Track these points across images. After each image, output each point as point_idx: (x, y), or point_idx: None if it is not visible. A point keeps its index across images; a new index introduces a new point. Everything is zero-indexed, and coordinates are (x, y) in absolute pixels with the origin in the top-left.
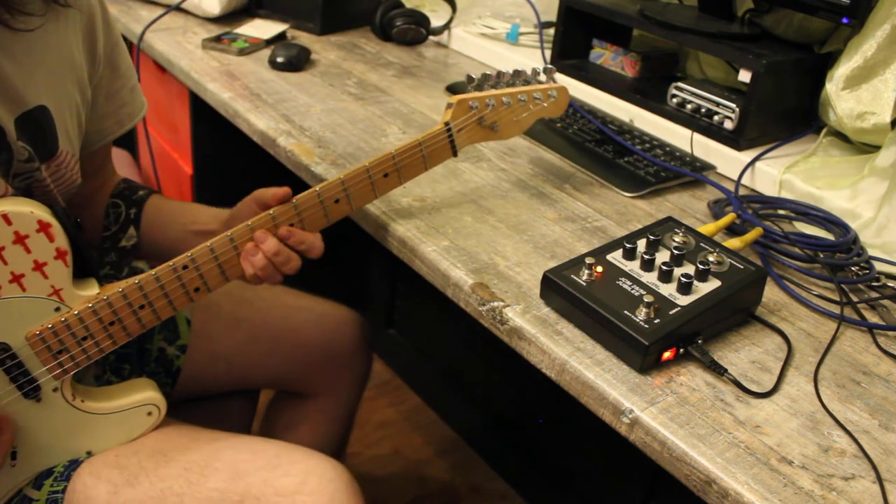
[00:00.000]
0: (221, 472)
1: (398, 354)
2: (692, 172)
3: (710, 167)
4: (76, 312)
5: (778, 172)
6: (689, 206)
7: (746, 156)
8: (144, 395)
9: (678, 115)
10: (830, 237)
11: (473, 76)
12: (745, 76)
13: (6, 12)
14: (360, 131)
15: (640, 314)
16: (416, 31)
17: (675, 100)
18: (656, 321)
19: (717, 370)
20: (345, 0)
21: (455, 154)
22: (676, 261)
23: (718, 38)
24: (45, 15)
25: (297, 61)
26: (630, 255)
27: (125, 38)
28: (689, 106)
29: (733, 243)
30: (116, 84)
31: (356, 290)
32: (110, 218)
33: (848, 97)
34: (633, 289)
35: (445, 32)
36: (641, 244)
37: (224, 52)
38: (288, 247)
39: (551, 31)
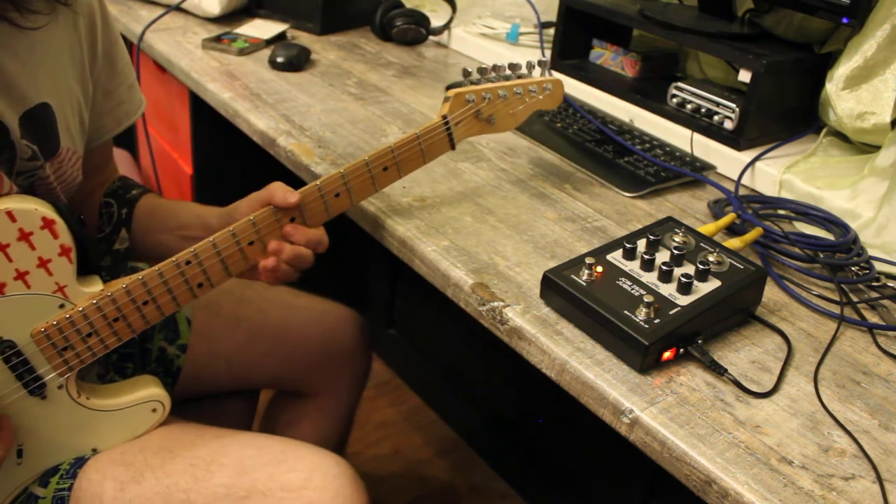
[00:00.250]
0: (227, 467)
1: (398, 354)
2: (692, 172)
3: (710, 167)
4: (80, 309)
5: (778, 172)
6: (689, 206)
7: (746, 156)
8: (149, 392)
9: (678, 115)
10: (830, 237)
11: (469, 70)
12: (745, 76)
13: (15, 10)
14: (360, 131)
15: (640, 314)
16: (416, 31)
17: (675, 100)
18: (656, 321)
19: (717, 370)
20: (345, 0)
21: (453, 147)
22: (676, 261)
23: (718, 38)
24: (51, 14)
25: (297, 61)
26: (630, 255)
27: (125, 39)
28: (689, 106)
29: (733, 243)
30: (114, 82)
31: (356, 290)
32: (103, 218)
33: (848, 97)
34: (633, 289)
35: (445, 32)
36: (641, 244)
37: (224, 52)
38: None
39: (551, 31)
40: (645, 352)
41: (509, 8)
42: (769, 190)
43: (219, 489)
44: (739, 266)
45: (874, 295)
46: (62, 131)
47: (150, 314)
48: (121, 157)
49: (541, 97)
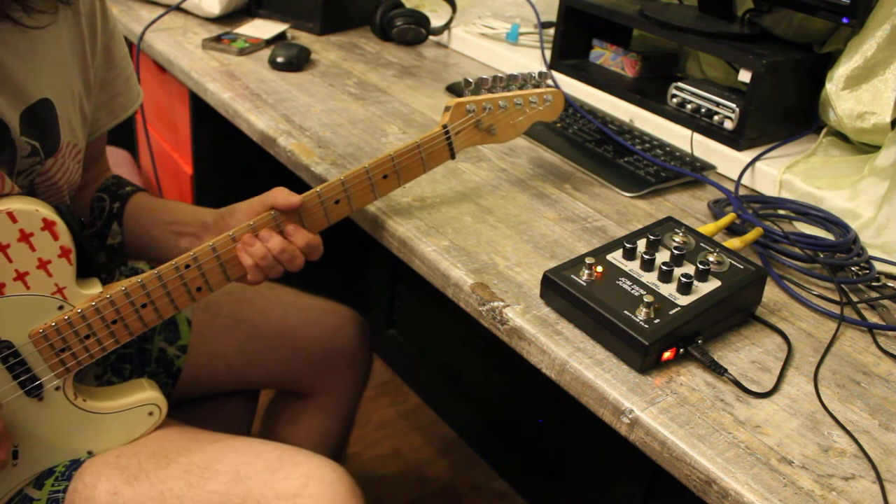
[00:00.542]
0: (222, 474)
1: (398, 354)
2: (692, 172)
3: (710, 167)
4: (79, 310)
5: (778, 172)
6: (689, 206)
7: (746, 156)
8: (146, 395)
9: (678, 115)
10: (830, 237)
11: (470, 80)
12: (745, 76)
13: (21, 10)
14: (360, 131)
15: (640, 314)
16: (416, 31)
17: (675, 100)
18: (656, 321)
19: (717, 370)
20: (345, 0)
21: (453, 157)
22: (676, 261)
23: (718, 38)
24: (55, 13)
25: (297, 61)
26: (630, 255)
27: (125, 38)
28: (689, 106)
29: (733, 243)
30: (110, 74)
31: (356, 290)
32: (95, 213)
33: (848, 97)
34: (633, 289)
35: (445, 32)
36: (641, 244)
37: (224, 52)
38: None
39: (551, 31)
40: (645, 352)
41: (509, 8)
42: (769, 190)
43: (213, 496)
44: (739, 266)
45: (874, 295)
46: (63, 126)
47: (149, 317)
48: (121, 157)
49: (541, 108)
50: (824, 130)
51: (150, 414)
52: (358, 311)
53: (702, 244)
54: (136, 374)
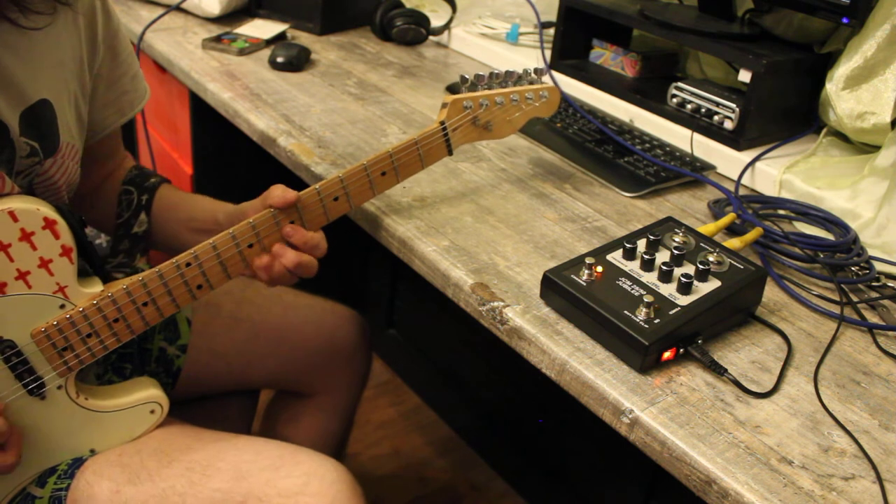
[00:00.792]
0: (224, 472)
1: (398, 354)
2: (692, 172)
3: (710, 167)
4: (81, 309)
5: (778, 172)
6: (689, 206)
7: (746, 156)
8: (147, 393)
9: (678, 115)
10: (830, 237)
11: (467, 76)
12: (745, 76)
13: (18, 11)
14: (360, 131)
15: (640, 314)
16: (416, 31)
17: (675, 100)
18: (656, 321)
19: (717, 370)
20: (345, 0)
21: (450, 153)
22: (676, 261)
23: (718, 38)
24: (52, 14)
25: (297, 61)
26: (630, 255)
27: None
28: (689, 106)
29: (733, 243)
30: (117, 71)
31: (356, 290)
32: (122, 205)
33: (848, 97)
34: (633, 289)
35: (445, 32)
36: (641, 244)
37: (224, 52)
38: (291, 246)
39: (551, 31)
40: (645, 352)
41: (509, 8)
42: (769, 190)
43: (215, 494)
44: (739, 266)
45: (874, 295)
46: (62, 127)
47: (150, 315)
48: None
49: (537, 104)
50: (824, 130)
51: (152, 412)
52: (358, 311)
53: (702, 244)
54: (136, 373)
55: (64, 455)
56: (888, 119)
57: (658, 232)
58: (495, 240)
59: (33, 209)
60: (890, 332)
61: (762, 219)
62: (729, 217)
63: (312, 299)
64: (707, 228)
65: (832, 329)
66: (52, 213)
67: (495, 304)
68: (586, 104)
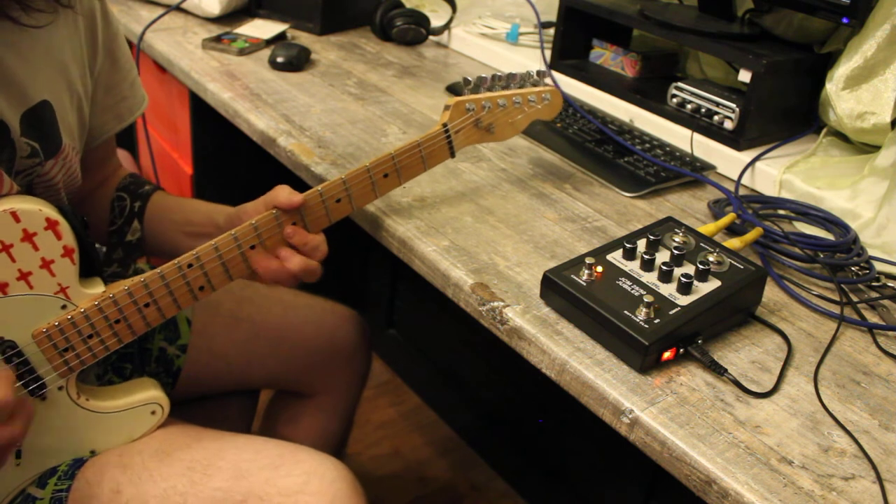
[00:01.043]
0: (224, 471)
1: (398, 354)
2: (692, 172)
3: (710, 167)
4: (82, 310)
5: (778, 172)
6: (689, 206)
7: (746, 156)
8: (148, 394)
9: (678, 115)
10: (830, 237)
11: (470, 78)
12: (745, 76)
13: (20, 9)
14: (360, 131)
15: (640, 314)
16: (416, 31)
17: (675, 100)
18: (656, 321)
19: (717, 370)
20: (345, 0)
21: (453, 155)
22: (676, 261)
23: (718, 38)
24: (53, 13)
25: (297, 61)
26: (630, 255)
27: (126, 38)
28: (689, 106)
29: (733, 243)
30: (116, 77)
31: (356, 290)
32: (115, 211)
33: (848, 97)
34: (633, 289)
35: (445, 32)
36: (641, 244)
37: (224, 52)
38: (291, 247)
39: (551, 31)
40: (645, 352)
41: (509, 8)
42: (769, 190)
43: (216, 493)
44: (739, 266)
45: (874, 295)
46: (63, 128)
47: (151, 316)
48: (121, 157)
49: (539, 107)
50: (824, 130)
51: (153, 413)
52: (358, 311)
53: (702, 244)
54: (136, 373)
55: (64, 456)
56: (888, 119)
57: (658, 232)
58: (495, 240)
59: (35, 210)
60: (890, 332)
61: (762, 219)
62: (729, 217)
63: (312, 299)
64: (707, 228)
65: (832, 329)
66: (54, 214)
67: (495, 304)
68: (586, 104)
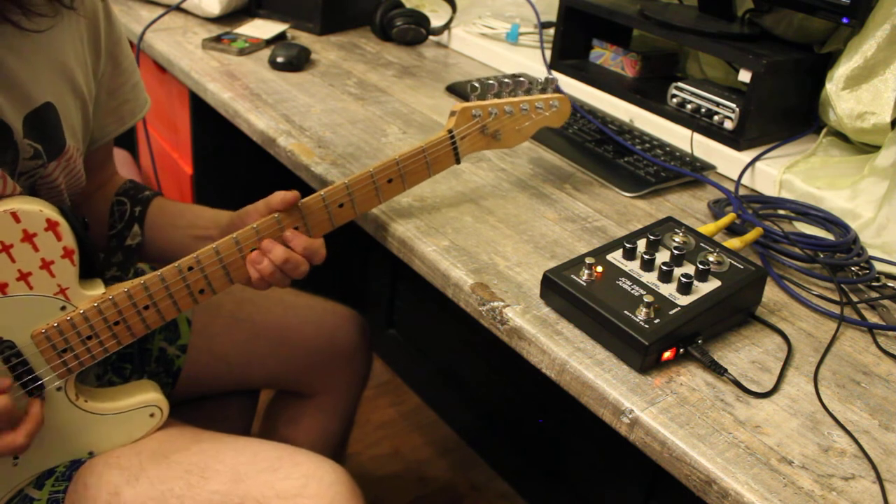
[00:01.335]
0: (222, 474)
1: (398, 354)
2: (692, 172)
3: (710, 167)
4: (81, 311)
5: (778, 172)
6: (689, 206)
7: (746, 156)
8: (147, 397)
9: (678, 115)
10: (830, 237)
11: (476, 85)
12: (745, 76)
13: (21, 14)
14: (360, 131)
15: (640, 314)
16: (416, 31)
17: (675, 100)
18: (656, 321)
19: (717, 370)
20: (345, 0)
21: (458, 161)
22: (676, 261)
23: (718, 38)
24: (55, 17)
25: (297, 61)
26: (630, 255)
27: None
28: (689, 106)
29: (733, 243)
30: (118, 80)
31: (356, 290)
32: (115, 216)
33: (848, 97)
34: (633, 289)
35: (445, 32)
36: (641, 244)
37: (224, 52)
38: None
39: (551, 31)
40: (645, 352)
41: (509, 8)
42: (769, 190)
43: (213, 496)
44: (739, 266)
45: (874, 295)
46: (67, 130)
47: (151, 318)
48: (121, 157)
49: (547, 114)
50: (824, 130)
51: (152, 415)
52: (358, 311)
53: (702, 244)
54: (136, 373)
55: (62, 457)
56: (888, 119)
57: (658, 232)
58: (495, 240)
59: (36, 210)
60: (890, 332)
61: (762, 219)
62: (729, 217)
63: (312, 299)
64: (707, 228)
65: (832, 329)
66: (54, 215)
67: (495, 304)
68: (586, 104)
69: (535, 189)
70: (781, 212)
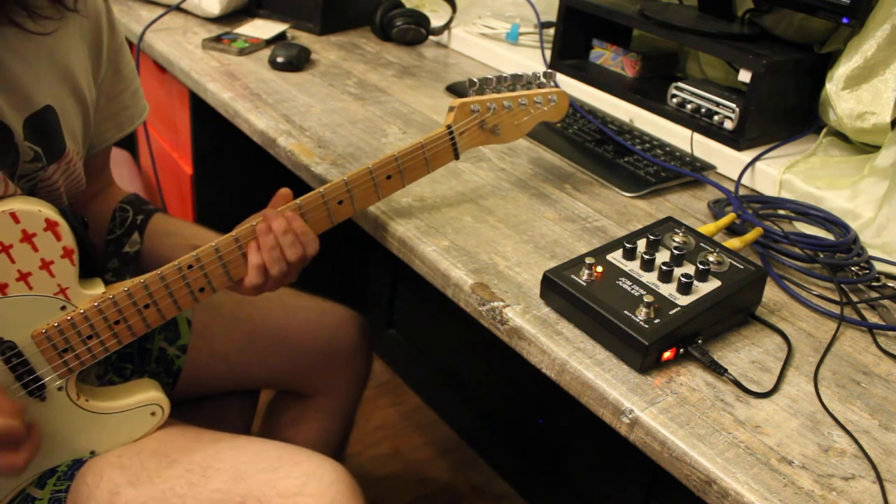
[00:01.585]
0: (223, 473)
1: (398, 354)
2: (692, 172)
3: (710, 167)
4: (82, 311)
5: (778, 172)
6: (689, 206)
7: (746, 156)
8: (148, 395)
9: (678, 115)
10: (830, 237)
11: (475, 80)
12: (745, 76)
13: (27, 16)
14: (360, 131)
15: (640, 314)
16: (416, 31)
17: (675, 100)
18: (656, 321)
19: (717, 370)
20: (345, 0)
21: (457, 157)
22: (676, 261)
23: (718, 38)
24: (60, 20)
25: (297, 61)
26: (630, 255)
27: (126, 39)
28: (689, 106)
29: (733, 243)
30: (118, 86)
31: (356, 290)
32: (116, 221)
33: (848, 97)
34: (633, 289)
35: (445, 32)
36: (641, 244)
37: (224, 52)
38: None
39: (551, 31)
40: (645, 352)
41: (509, 8)
42: (769, 190)
43: (214, 495)
44: (739, 266)
45: (874, 295)
46: (67, 134)
47: (151, 317)
48: (121, 157)
49: (546, 109)
50: (824, 130)
51: (153, 414)
52: (358, 311)
53: (702, 244)
54: (136, 373)
55: (64, 456)
56: (888, 119)
57: (658, 232)
58: (495, 240)
59: (35, 210)
60: (890, 332)
61: (762, 219)
62: (729, 217)
63: (312, 300)
64: (707, 228)
65: (832, 329)
66: (53, 215)
67: (495, 304)
68: (586, 104)
69: (535, 189)
70: (781, 212)
